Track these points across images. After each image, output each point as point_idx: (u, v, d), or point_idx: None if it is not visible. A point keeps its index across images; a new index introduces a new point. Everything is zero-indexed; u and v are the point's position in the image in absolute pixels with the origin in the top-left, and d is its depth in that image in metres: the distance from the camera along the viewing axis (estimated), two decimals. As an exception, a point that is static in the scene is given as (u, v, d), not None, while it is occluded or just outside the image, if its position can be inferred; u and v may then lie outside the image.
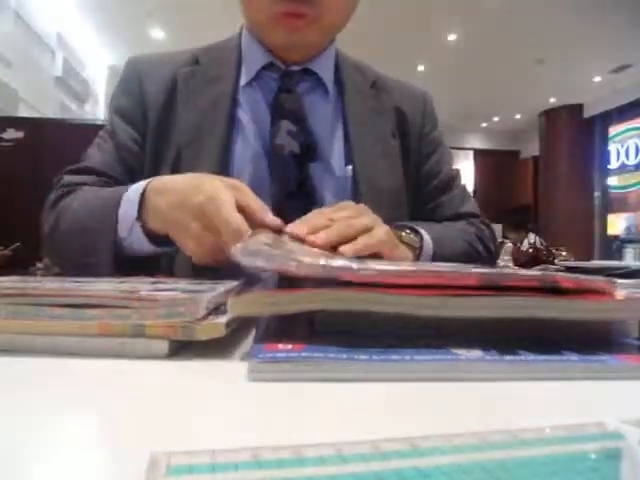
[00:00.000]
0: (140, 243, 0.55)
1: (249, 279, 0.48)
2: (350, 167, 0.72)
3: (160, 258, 0.62)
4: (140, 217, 0.54)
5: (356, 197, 0.69)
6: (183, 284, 0.39)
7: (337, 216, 0.48)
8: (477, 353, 0.28)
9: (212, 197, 0.46)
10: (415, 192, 0.78)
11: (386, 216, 0.71)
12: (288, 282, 0.34)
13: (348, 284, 0.30)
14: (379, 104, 0.77)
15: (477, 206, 0.82)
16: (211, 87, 0.71)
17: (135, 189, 0.55)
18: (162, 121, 0.70)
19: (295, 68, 0.72)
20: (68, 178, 0.68)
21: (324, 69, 0.75)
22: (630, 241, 6.18)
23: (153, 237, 0.55)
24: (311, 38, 0.69)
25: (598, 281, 0.33)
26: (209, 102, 0.70)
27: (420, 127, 0.80)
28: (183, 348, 0.31)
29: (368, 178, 0.71)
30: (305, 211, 0.64)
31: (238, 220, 0.45)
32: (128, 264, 0.56)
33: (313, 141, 0.69)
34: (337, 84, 0.77)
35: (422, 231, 0.65)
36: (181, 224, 0.49)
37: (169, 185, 0.53)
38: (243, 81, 0.72)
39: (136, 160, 0.69)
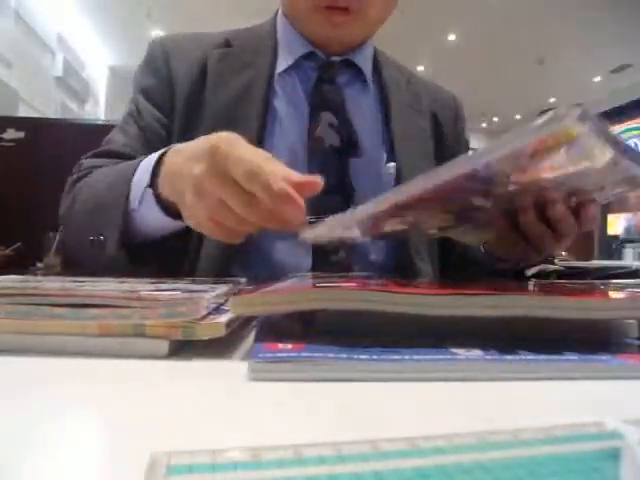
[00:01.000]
0: (152, 215, 0.49)
1: (254, 279, 0.48)
2: (393, 164, 0.68)
3: (177, 254, 0.58)
4: (153, 185, 0.48)
5: None
6: (183, 284, 0.39)
7: None
8: (477, 353, 0.28)
9: (229, 136, 0.40)
10: None
11: None
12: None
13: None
14: (418, 102, 0.75)
15: None
16: (244, 72, 0.68)
17: (154, 155, 0.50)
18: (191, 102, 0.66)
19: (335, 58, 0.70)
20: (88, 162, 0.65)
21: (364, 61, 0.73)
22: (630, 241, 6.18)
23: (169, 210, 0.48)
24: (354, 33, 0.67)
25: None
26: (242, 87, 0.67)
27: (453, 130, 0.79)
28: (183, 348, 0.31)
29: (412, 177, 0.69)
30: (344, 208, 0.62)
31: (261, 158, 0.37)
32: (138, 248, 0.52)
33: (355, 135, 0.67)
34: (375, 78, 0.74)
35: None
36: (188, 173, 0.41)
37: (189, 144, 0.46)
38: (280, 69, 0.70)
39: (161, 143, 0.65)
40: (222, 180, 0.38)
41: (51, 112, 4.09)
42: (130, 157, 0.63)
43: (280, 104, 0.68)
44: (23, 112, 3.63)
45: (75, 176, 0.63)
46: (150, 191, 0.49)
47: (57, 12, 4.29)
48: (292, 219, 0.37)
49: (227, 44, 0.71)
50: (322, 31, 0.66)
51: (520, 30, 4.83)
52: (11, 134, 2.78)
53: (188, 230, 0.48)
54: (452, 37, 5.19)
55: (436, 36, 5.11)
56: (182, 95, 0.67)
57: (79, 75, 4.84)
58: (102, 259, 0.52)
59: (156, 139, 0.66)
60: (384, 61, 0.77)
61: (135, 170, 0.51)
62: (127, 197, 0.50)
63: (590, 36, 4.87)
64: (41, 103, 3.99)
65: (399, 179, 0.67)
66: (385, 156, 0.69)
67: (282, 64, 0.70)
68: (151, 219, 0.51)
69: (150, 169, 0.49)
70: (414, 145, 0.71)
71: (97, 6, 4.53)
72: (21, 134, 2.84)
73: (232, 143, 0.39)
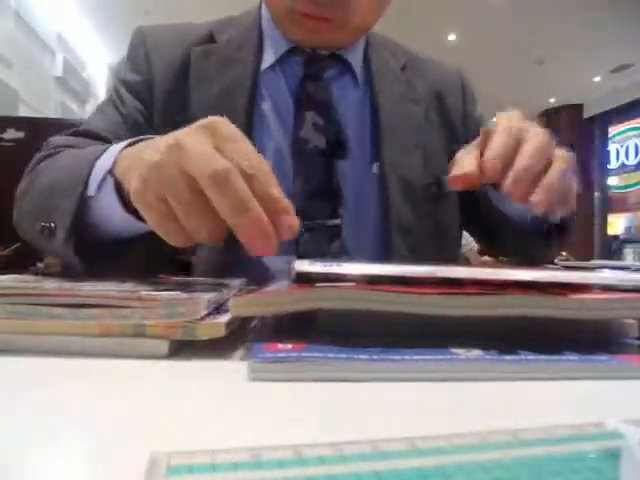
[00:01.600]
0: (109, 205, 0.41)
1: (256, 279, 0.47)
2: (376, 164, 0.65)
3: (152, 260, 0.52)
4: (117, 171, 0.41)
5: (385, 196, 0.63)
6: (183, 285, 0.39)
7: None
8: (477, 353, 0.28)
9: (226, 121, 0.34)
10: None
11: (424, 214, 0.65)
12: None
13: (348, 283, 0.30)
14: (412, 89, 0.70)
15: None
16: (228, 69, 0.64)
17: (126, 142, 0.43)
18: (171, 102, 0.63)
19: (323, 52, 0.66)
20: (59, 139, 0.59)
21: (353, 54, 0.68)
22: (630, 241, 6.19)
23: (129, 206, 0.39)
24: (335, 40, 0.63)
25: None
26: (226, 86, 0.63)
27: (462, 108, 0.74)
28: (183, 348, 0.31)
29: (399, 175, 0.64)
30: (332, 212, 0.57)
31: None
32: (93, 245, 0.44)
33: (341, 135, 0.63)
34: (366, 68, 0.70)
35: None
36: (158, 141, 0.34)
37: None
38: (265, 65, 0.66)
39: (142, 134, 0.61)
40: (210, 146, 0.32)
41: (51, 112, 4.08)
42: (108, 140, 0.57)
43: (265, 103, 0.65)
44: (23, 112, 3.62)
45: (42, 154, 0.57)
46: (111, 177, 0.41)
47: (57, 12, 4.29)
48: (284, 231, 0.32)
49: (211, 39, 0.67)
50: (297, 36, 0.63)
51: (520, 30, 4.83)
52: (11, 134, 2.77)
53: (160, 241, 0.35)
54: (452, 37, 5.19)
55: (436, 36, 5.10)
56: (161, 94, 0.64)
57: (79, 75, 4.83)
58: (50, 249, 0.46)
59: (138, 129, 0.62)
60: (376, 47, 0.72)
61: (102, 153, 0.43)
62: (86, 181, 0.42)
63: (590, 36, 4.87)
64: (41, 103, 3.98)
65: (382, 178, 0.64)
66: (372, 154, 0.66)
67: (267, 60, 0.66)
68: (108, 210, 0.42)
69: (116, 153, 0.41)
70: (405, 138, 0.66)
71: (97, 6, 4.53)
72: (21, 134, 2.84)
73: (232, 126, 0.34)
